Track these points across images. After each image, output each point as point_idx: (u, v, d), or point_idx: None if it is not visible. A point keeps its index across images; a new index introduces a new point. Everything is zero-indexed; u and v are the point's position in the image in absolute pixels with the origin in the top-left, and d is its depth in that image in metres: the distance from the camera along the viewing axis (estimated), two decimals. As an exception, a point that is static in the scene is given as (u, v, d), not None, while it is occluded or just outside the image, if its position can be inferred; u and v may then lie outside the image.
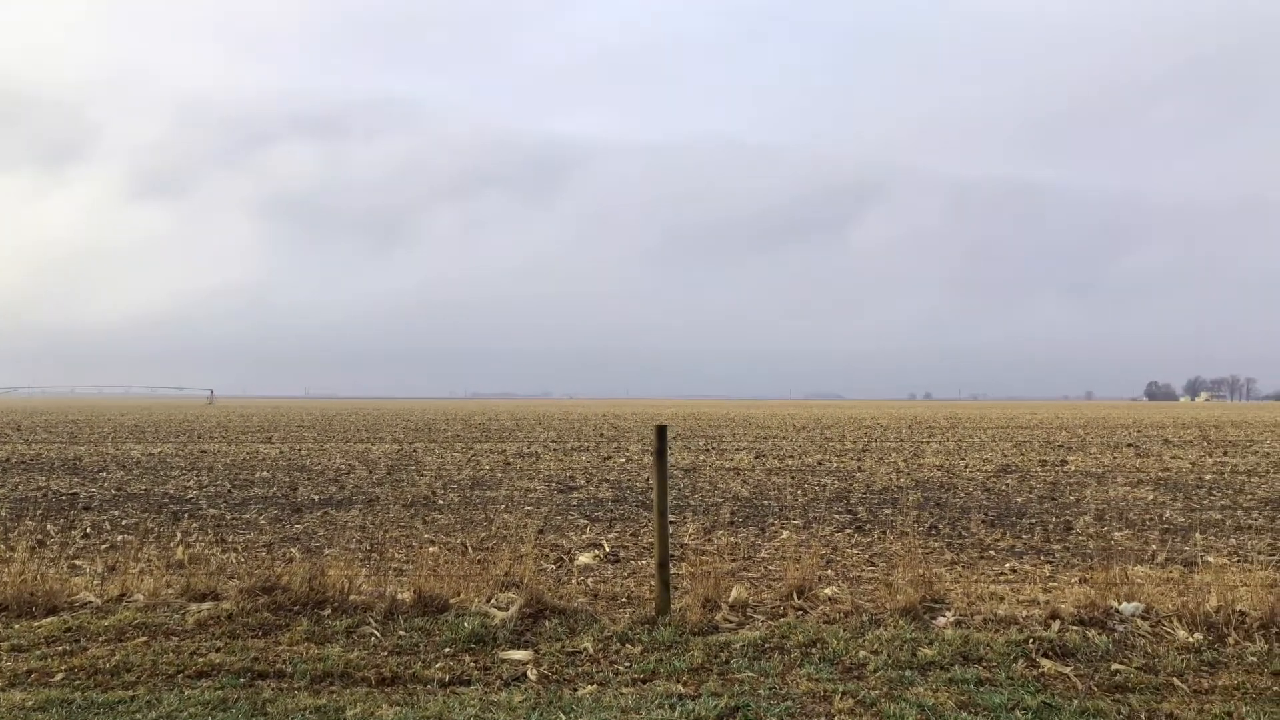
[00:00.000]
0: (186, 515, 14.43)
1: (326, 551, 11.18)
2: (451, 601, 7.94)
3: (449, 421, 57.15)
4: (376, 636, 7.22)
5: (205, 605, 7.89)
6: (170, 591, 8.35)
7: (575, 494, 17.61)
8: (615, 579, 9.78)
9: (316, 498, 16.79)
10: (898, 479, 20.47)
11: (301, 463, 24.59)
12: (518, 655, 6.83)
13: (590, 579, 9.77)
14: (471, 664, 6.68)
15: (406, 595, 8.03)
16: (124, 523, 13.60)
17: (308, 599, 7.91)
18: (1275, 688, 6.18)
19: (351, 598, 8.00)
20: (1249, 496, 17.15)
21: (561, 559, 10.95)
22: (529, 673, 6.48)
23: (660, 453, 7.85)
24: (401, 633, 7.29)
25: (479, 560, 9.73)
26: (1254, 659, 6.69)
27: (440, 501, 16.30)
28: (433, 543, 11.50)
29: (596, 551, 11.40)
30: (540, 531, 12.68)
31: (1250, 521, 13.89)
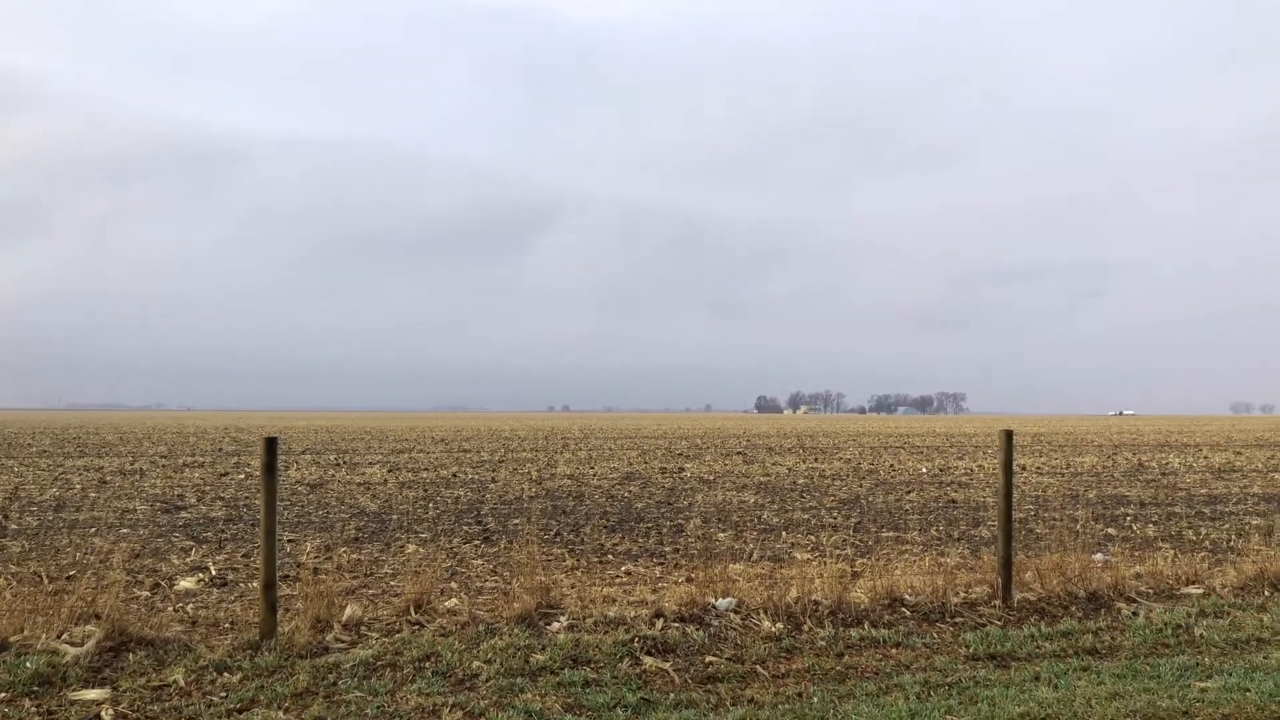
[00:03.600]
0: None
1: None
2: (13, 639, 6.92)
3: (36, 436, 50.34)
4: (-92, 688, 6.12)
5: None
6: None
7: (183, 514, 16.16)
8: (221, 604, 9.06)
9: None
10: (530, 489, 20.87)
11: None
12: (92, 695, 6.09)
13: (191, 605, 8.97)
14: (33, 709, 5.86)
15: (-47, 637, 6.88)
16: None
17: None
18: (838, 668, 6.98)
19: (-123, 644, 6.72)
20: (831, 498, 19.37)
21: (159, 585, 9.96)
22: (104, 713, 5.80)
23: (269, 467, 7.37)
24: (-58, 681, 6.24)
25: (55, 591, 8.59)
26: (823, 643, 7.51)
27: (14, 526, 14.25)
28: (-2, 574, 10.00)
29: (201, 575, 10.50)
30: (136, 556, 11.46)
31: (831, 520, 15.67)
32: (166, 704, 5.99)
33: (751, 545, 12.79)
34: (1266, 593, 9.42)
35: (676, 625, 7.73)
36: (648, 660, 6.96)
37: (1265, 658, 7.28)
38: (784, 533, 14.12)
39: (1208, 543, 13.13)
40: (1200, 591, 9.43)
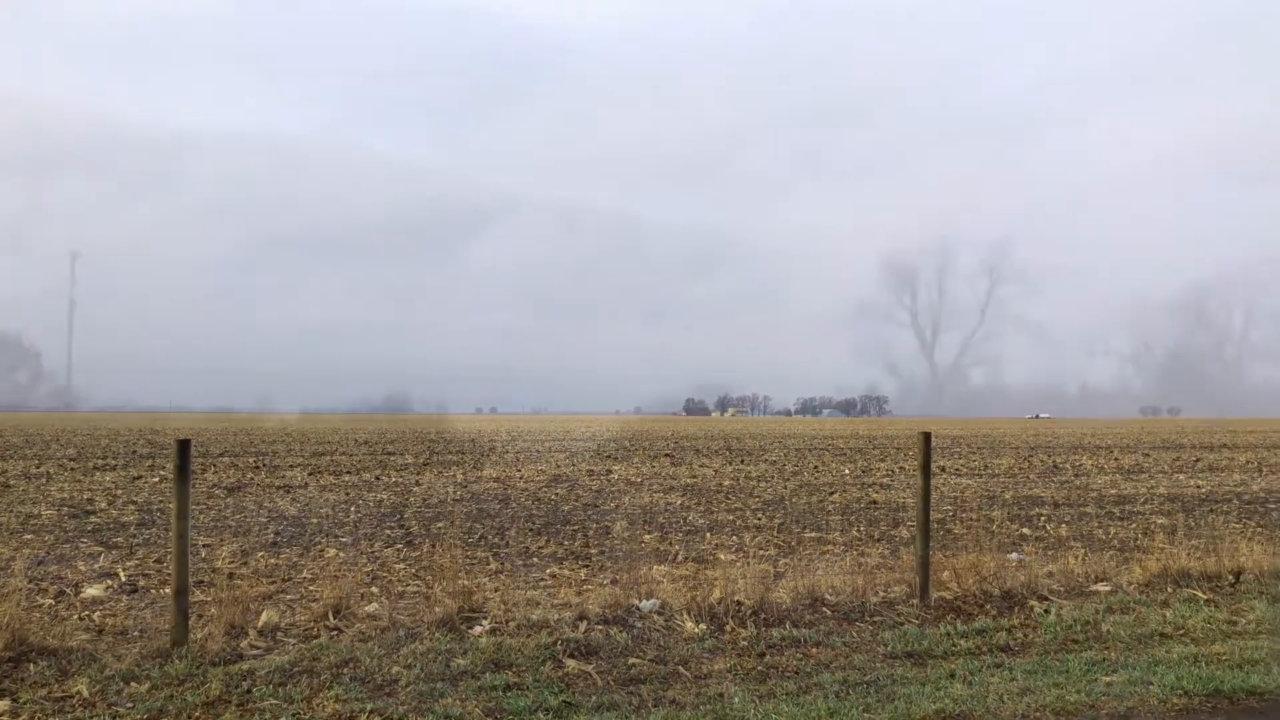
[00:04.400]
0: None
1: None
2: (-95, 652, 6.62)
3: (-63, 438, 48.27)
4: None
5: None
6: None
7: (92, 519, 15.63)
8: (130, 611, 8.78)
9: None
10: (454, 492, 20.66)
11: None
12: (-11, 708, 5.85)
13: (99, 613, 8.67)
14: (-75, 725, 5.61)
15: None
16: None
17: None
18: (760, 667, 7.05)
19: None
20: (756, 499, 19.55)
21: (64, 592, 9.62)
22: (2, 728, 5.58)
23: (182, 470, 7.17)
24: None
25: (-49, 600, 8.23)
26: (745, 643, 7.57)
27: (-90, 533, 13.63)
28: (-110, 583, 9.55)
29: (110, 582, 10.16)
30: (40, 563, 11.06)
31: (755, 521, 15.80)
32: (70, 715, 5.79)
33: (677, 547, 12.84)
34: (1169, 589, 9.76)
35: (600, 627, 7.72)
36: (570, 663, 6.94)
37: (1167, 652, 7.55)
38: (709, 534, 14.20)
39: (1116, 541, 13.56)
40: (1108, 589, 9.73)
